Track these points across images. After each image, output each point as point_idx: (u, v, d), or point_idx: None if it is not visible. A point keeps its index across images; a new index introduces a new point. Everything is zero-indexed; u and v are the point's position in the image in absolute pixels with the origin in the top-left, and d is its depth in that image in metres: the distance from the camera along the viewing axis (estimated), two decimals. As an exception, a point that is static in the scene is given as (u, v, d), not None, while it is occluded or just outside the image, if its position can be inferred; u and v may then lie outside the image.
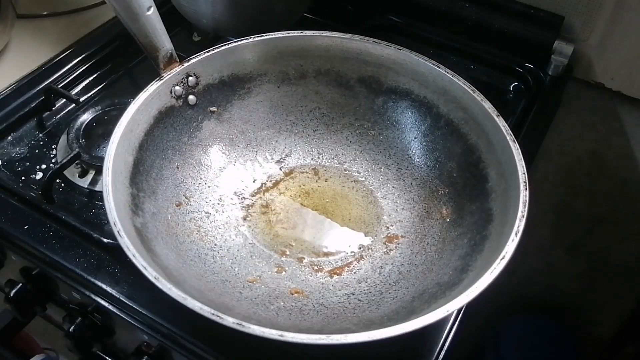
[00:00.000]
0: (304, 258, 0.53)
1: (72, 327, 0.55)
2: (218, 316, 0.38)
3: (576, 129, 0.86)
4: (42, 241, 0.53)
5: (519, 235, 0.43)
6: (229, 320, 0.38)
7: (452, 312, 0.40)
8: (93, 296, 0.52)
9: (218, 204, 0.57)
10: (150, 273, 0.40)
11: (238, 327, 0.37)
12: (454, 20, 0.77)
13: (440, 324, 0.49)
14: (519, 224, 0.44)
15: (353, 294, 0.50)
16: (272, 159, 0.61)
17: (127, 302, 0.50)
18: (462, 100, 0.54)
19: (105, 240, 0.53)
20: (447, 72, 0.55)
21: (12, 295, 0.57)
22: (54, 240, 0.54)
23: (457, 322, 0.49)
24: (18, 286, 0.58)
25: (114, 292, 0.50)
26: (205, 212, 0.55)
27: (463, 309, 0.49)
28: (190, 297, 0.39)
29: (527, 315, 1.14)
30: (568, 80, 0.75)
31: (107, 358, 0.61)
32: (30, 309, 0.60)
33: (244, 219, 0.56)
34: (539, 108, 0.69)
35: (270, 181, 0.60)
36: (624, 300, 1.01)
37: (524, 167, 0.48)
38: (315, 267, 0.53)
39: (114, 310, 0.51)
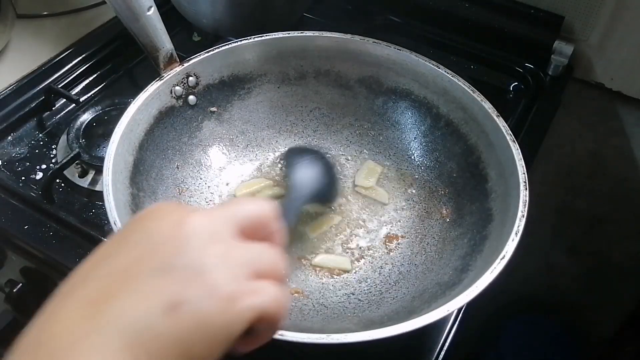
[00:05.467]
0: (304, 258, 0.53)
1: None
2: (218, 316, 0.38)
3: (576, 129, 0.86)
4: (42, 241, 0.53)
5: (519, 235, 0.43)
6: (229, 320, 0.38)
7: (452, 312, 0.40)
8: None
9: (218, 204, 0.57)
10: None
11: (238, 327, 0.37)
12: (454, 20, 0.77)
13: (440, 324, 0.49)
14: (519, 224, 0.44)
15: (353, 294, 0.50)
16: (272, 159, 0.61)
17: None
18: (462, 101, 0.54)
19: (105, 240, 0.53)
20: (447, 72, 0.55)
21: (12, 295, 0.57)
22: (54, 240, 0.54)
23: (457, 322, 0.49)
24: (18, 286, 0.58)
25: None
26: (205, 212, 0.55)
27: (463, 309, 0.49)
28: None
29: (527, 315, 1.14)
30: (568, 80, 0.75)
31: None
32: (30, 309, 0.60)
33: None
34: (539, 108, 0.69)
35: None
36: (624, 300, 1.00)
37: (524, 167, 0.48)
38: (316, 267, 0.53)
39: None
